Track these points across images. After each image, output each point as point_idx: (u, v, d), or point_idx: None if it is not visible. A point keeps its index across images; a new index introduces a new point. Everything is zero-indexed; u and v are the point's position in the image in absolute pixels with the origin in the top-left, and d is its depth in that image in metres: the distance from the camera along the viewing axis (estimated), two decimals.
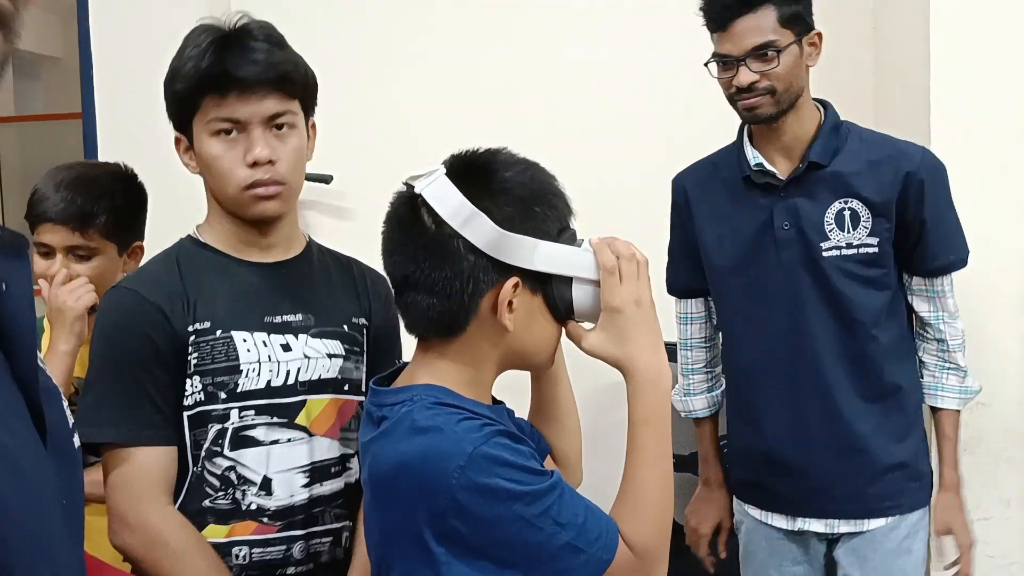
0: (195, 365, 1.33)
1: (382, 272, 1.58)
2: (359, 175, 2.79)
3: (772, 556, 1.94)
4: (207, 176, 1.40)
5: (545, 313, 1.14)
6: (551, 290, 1.13)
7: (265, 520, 1.37)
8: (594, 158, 2.74)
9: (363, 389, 1.46)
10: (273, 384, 1.37)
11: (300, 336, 1.40)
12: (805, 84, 1.81)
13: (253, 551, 1.37)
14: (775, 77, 1.74)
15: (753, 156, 1.84)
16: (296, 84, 1.39)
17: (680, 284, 2.04)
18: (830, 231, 1.79)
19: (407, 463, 1.05)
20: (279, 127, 1.37)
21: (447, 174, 1.11)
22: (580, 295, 1.14)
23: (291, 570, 1.40)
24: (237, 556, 1.36)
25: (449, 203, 1.08)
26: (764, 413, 1.89)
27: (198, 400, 1.34)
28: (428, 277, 1.09)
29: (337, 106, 2.84)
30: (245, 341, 1.36)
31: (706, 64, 1.81)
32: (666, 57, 2.73)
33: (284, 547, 1.39)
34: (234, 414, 1.35)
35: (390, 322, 1.50)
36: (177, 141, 1.42)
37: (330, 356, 1.43)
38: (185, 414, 1.34)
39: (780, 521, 1.91)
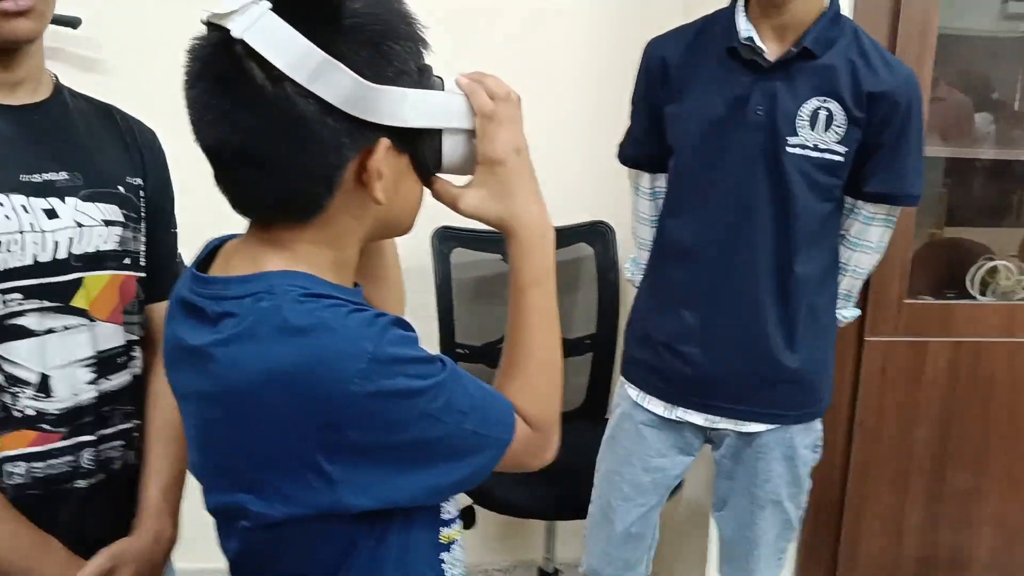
0: None
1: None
2: (114, 18, 2.41)
3: (638, 444, 1.91)
4: None
5: (411, 173, 0.96)
6: (420, 147, 0.95)
7: (46, 427, 1.15)
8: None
9: (142, 263, 1.27)
10: (40, 259, 1.12)
11: (68, 199, 1.15)
12: None
13: (33, 465, 1.14)
14: None
15: (745, 28, 1.71)
16: None
17: (634, 154, 1.94)
18: (800, 127, 1.70)
19: (288, 370, 0.84)
20: None
21: (273, 9, 0.85)
22: (452, 147, 0.97)
23: (80, 483, 1.20)
24: (12, 475, 1.13)
25: (289, 50, 0.83)
26: (683, 294, 1.83)
27: None
28: (270, 151, 0.86)
29: None
30: (2, 206, 1.09)
31: None
32: None
33: (71, 457, 1.18)
34: None
35: (165, 180, 1.33)
36: None
37: (107, 223, 1.20)
38: None
39: (657, 407, 1.88)
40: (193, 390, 0.93)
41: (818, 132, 1.69)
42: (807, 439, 1.87)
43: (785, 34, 1.70)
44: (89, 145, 1.22)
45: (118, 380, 1.23)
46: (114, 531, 1.23)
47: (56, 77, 1.23)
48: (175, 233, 1.35)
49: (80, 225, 1.16)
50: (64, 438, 1.17)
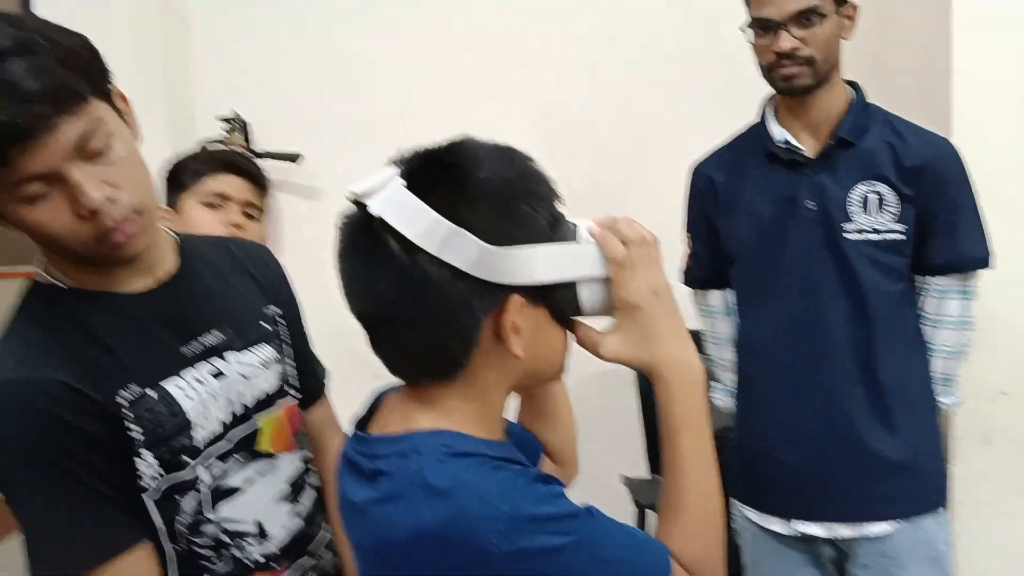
0: (140, 439, 1.09)
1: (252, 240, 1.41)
2: (329, 153, 2.63)
3: (782, 562, 1.85)
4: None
5: (551, 322, 0.98)
6: (555, 298, 0.97)
7: (275, 566, 1.22)
8: (592, 147, 2.60)
9: (293, 381, 1.33)
10: (224, 420, 1.18)
11: (227, 355, 1.21)
12: (839, 57, 1.74)
13: None
14: (816, 44, 1.67)
15: (779, 132, 1.77)
16: (84, 79, 1.01)
17: (702, 275, 1.96)
18: (853, 213, 1.71)
19: (431, 532, 0.86)
20: (95, 151, 1.02)
21: (407, 185, 0.90)
22: (588, 295, 0.97)
23: None
24: None
25: (419, 222, 0.88)
26: (768, 402, 1.81)
27: (157, 475, 1.11)
28: (409, 316, 0.90)
29: (305, 79, 2.73)
30: (181, 388, 1.13)
31: (741, 29, 1.74)
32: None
33: None
34: (203, 473, 1.15)
35: (289, 294, 1.38)
36: None
37: (264, 365, 1.26)
38: (146, 497, 1.10)
39: (776, 525, 1.82)
40: (357, 543, 0.98)
41: (872, 214, 1.70)
42: (942, 533, 1.76)
43: (818, 130, 1.75)
44: (227, 296, 1.25)
45: (308, 498, 1.29)
46: None
47: (175, 234, 1.27)
48: (307, 335, 1.40)
49: (245, 376, 1.22)
50: (290, 568, 1.24)
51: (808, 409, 1.74)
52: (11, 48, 0.95)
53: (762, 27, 1.69)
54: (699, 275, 1.95)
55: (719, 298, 1.94)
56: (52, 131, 0.97)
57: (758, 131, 1.82)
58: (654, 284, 0.97)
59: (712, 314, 1.96)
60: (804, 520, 1.78)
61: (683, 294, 1.96)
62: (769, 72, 1.72)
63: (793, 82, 1.69)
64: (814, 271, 1.73)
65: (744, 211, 1.81)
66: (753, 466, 1.84)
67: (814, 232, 1.72)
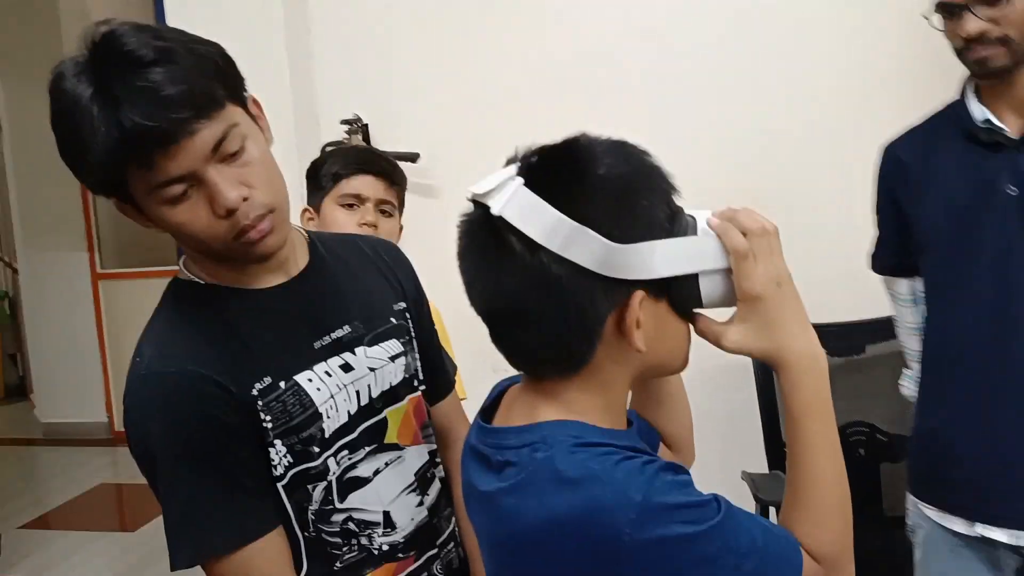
0: (272, 429, 1.13)
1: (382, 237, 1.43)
2: (446, 152, 2.69)
3: (957, 561, 1.74)
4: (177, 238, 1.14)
5: (672, 315, 0.98)
6: (677, 291, 0.97)
7: (400, 556, 1.25)
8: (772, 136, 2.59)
9: (421, 376, 1.35)
10: (352, 412, 1.21)
11: (357, 350, 1.24)
12: None
13: None
14: (1008, 23, 1.56)
15: (980, 112, 1.66)
16: (220, 85, 1.06)
17: (890, 262, 1.88)
18: None
19: (564, 521, 0.87)
20: (230, 153, 1.07)
21: (526, 183, 0.90)
22: (710, 287, 0.97)
23: None
24: None
25: (541, 221, 0.89)
26: (956, 397, 1.70)
27: (288, 464, 1.15)
28: (533, 314, 0.91)
29: (423, 82, 2.79)
30: (311, 381, 1.17)
31: (927, 16, 1.64)
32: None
33: (425, 573, 1.28)
34: (331, 463, 1.18)
35: (418, 289, 1.40)
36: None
37: (393, 359, 1.29)
38: (279, 484, 1.15)
39: (958, 525, 1.72)
40: (484, 533, 1.00)
41: None
42: None
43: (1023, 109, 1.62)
44: (356, 291, 1.29)
45: (434, 490, 1.32)
46: None
47: (303, 230, 1.30)
48: (434, 330, 1.43)
49: (373, 369, 1.24)
50: (416, 559, 1.26)
51: (1000, 409, 1.64)
52: (153, 57, 1.00)
53: (947, 11, 1.60)
54: (886, 261, 1.87)
55: (906, 287, 1.85)
56: (192, 135, 1.02)
57: (956, 110, 1.70)
58: (776, 274, 0.95)
59: (900, 302, 1.88)
60: (989, 524, 1.67)
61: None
62: (961, 56, 1.63)
63: (987, 65, 1.59)
64: (1012, 261, 1.61)
65: (937, 196, 1.70)
66: (936, 463, 1.75)
67: (1014, 219, 1.60)
